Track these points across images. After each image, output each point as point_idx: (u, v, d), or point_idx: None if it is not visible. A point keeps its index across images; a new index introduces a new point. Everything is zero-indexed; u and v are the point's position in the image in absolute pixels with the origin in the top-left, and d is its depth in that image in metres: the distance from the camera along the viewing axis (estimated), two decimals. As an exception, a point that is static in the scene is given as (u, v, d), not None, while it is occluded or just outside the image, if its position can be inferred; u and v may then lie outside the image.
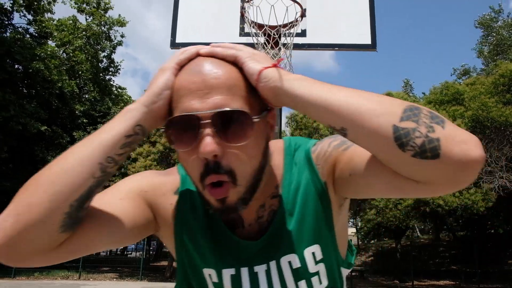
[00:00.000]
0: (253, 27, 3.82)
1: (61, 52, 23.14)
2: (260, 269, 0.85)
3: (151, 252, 31.62)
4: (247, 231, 0.87)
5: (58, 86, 20.16)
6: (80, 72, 24.51)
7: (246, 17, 3.70)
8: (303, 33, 4.14)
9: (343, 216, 0.93)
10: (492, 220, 20.74)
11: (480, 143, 0.63)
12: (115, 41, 26.59)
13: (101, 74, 25.89)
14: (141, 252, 40.60)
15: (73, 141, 20.53)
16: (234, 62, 0.77)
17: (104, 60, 26.63)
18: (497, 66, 17.45)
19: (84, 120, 22.63)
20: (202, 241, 0.87)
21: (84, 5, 24.61)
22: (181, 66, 0.78)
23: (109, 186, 0.91)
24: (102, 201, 0.81)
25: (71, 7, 24.34)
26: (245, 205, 0.77)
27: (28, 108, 17.46)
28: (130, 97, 28.62)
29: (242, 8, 3.70)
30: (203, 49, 0.78)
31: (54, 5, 22.57)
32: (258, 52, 0.80)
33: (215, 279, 0.85)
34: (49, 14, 22.83)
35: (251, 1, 3.51)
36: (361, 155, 0.77)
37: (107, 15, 25.45)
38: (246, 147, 0.73)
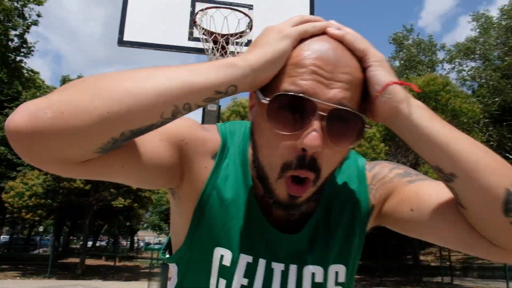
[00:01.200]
0: (203, 33, 3.89)
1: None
2: (277, 267, 0.78)
3: (59, 249, 29.67)
4: (274, 219, 0.79)
5: (-41, 63, 18.08)
6: (-15, 50, 22.15)
7: (198, 24, 3.76)
8: (248, 43, 4.29)
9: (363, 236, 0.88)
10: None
11: None
12: (30, 20, 24.48)
13: (11, 54, 23.65)
14: (44, 249, 37.97)
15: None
16: (361, 58, 0.68)
17: (16, 39, 24.37)
18: (408, 80, 19.24)
19: (-13, 103, 20.56)
20: (227, 217, 0.78)
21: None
22: (301, 36, 0.68)
23: None
24: (145, 139, 0.71)
25: (-21, -23, 21.86)
26: (306, 205, 0.73)
27: None
28: (43, 81, 26.56)
29: (195, 15, 3.75)
30: (334, 30, 0.68)
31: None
32: (385, 59, 0.70)
33: (227, 262, 0.76)
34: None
35: (205, 11, 3.57)
36: (431, 195, 0.74)
37: None
38: (343, 152, 0.69)
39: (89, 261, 23.57)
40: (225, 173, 0.80)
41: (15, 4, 23.17)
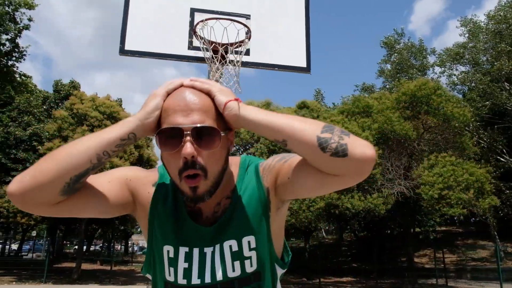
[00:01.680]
0: (203, 43, 3.99)
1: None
2: (208, 251, 1.09)
3: (54, 254, 29.46)
4: (203, 222, 1.11)
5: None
6: (-23, 54, 22.02)
7: (198, 34, 3.86)
8: (247, 52, 4.39)
9: (280, 219, 1.18)
10: (389, 222, 22.95)
11: (373, 147, 0.94)
12: (21, 24, 24.39)
13: (3, 59, 23.54)
14: (37, 253, 37.67)
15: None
16: (207, 93, 1.03)
17: (7, 43, 24.27)
18: (400, 84, 19.41)
19: (-19, 109, 20.47)
20: (167, 223, 1.11)
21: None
22: (168, 93, 1.03)
23: (102, 171, 1.19)
24: (95, 180, 1.09)
25: (-29, -17, 21.73)
26: (210, 197, 1.04)
27: None
28: (35, 85, 26.40)
29: (195, 25, 3.85)
30: (186, 82, 1.04)
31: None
32: (225, 88, 1.06)
33: (172, 255, 1.09)
34: None
35: (205, 21, 3.68)
36: (297, 163, 1.05)
37: None
38: (214, 153, 1.00)
39: (84, 266, 23.47)
40: (163, 194, 1.15)
41: (6, 8, 23.10)
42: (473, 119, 18.99)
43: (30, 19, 24.80)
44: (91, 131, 17.72)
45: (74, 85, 25.02)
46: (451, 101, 16.81)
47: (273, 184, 1.12)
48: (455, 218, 26.63)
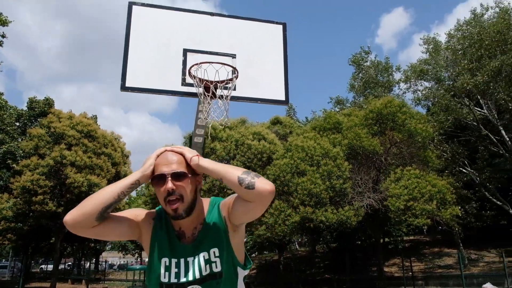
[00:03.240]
0: (196, 81, 4.57)
1: None
2: (190, 260, 1.63)
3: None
4: (186, 241, 1.67)
5: None
6: None
7: (192, 74, 4.45)
8: (234, 88, 5.00)
9: (238, 236, 1.70)
10: (360, 233, 23.78)
11: (273, 185, 1.48)
12: (-6, 41, 24.13)
13: (-26, 76, 23.15)
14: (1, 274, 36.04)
15: None
16: (181, 153, 1.63)
17: (-22, 59, 23.92)
18: (368, 101, 20.45)
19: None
20: (164, 242, 1.66)
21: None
22: (157, 155, 1.63)
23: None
24: (117, 214, 1.67)
25: None
26: (187, 215, 1.59)
27: None
28: (6, 101, 26.04)
29: (190, 67, 4.43)
30: (168, 148, 1.65)
31: None
32: (192, 150, 1.67)
33: (167, 264, 1.63)
34: None
35: (200, 65, 4.27)
36: (234, 199, 1.61)
37: None
38: (187, 186, 1.58)
39: (56, 285, 23.05)
40: (160, 223, 1.71)
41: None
42: (436, 133, 20.15)
43: (3, 36, 24.62)
44: (69, 149, 17.83)
45: (49, 102, 24.87)
46: (415, 117, 17.92)
47: (227, 213, 1.66)
48: (422, 227, 27.83)
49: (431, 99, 24.15)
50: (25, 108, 25.28)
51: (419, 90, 25.39)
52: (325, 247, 31.48)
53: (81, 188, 17.25)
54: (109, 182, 19.29)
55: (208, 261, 1.63)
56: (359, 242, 27.12)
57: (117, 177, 19.40)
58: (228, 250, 1.66)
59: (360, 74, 28.82)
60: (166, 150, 1.64)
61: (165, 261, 1.64)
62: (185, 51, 4.95)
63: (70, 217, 1.50)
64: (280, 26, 5.57)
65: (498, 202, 21.34)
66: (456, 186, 19.70)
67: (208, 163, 1.60)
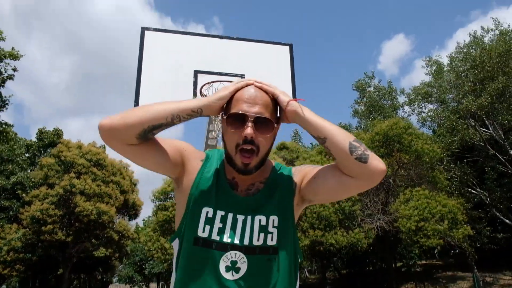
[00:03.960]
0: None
1: None
2: (240, 218, 1.31)
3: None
4: (238, 193, 1.36)
5: None
6: (-42, 105, 22.09)
7: (204, 94, 4.59)
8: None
9: (298, 213, 1.41)
10: (371, 257, 23.37)
11: (385, 165, 1.22)
12: (5, 75, 24.72)
13: (-15, 109, 23.62)
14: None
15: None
16: (271, 94, 1.31)
17: (-9, 93, 24.43)
18: (373, 124, 20.54)
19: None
20: (210, 189, 1.34)
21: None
22: (237, 90, 1.30)
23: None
24: (161, 140, 1.36)
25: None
26: (255, 171, 1.31)
27: None
28: (15, 133, 26.42)
29: (202, 86, 4.58)
30: (257, 84, 1.31)
31: None
32: (285, 91, 1.34)
33: (210, 215, 1.30)
34: None
35: (211, 84, 4.42)
36: (324, 167, 1.35)
37: None
38: (267, 138, 1.29)
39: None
40: (209, 167, 1.40)
41: (-9, 59, 23.48)
42: (444, 154, 20.08)
43: (14, 69, 25.17)
44: (78, 178, 17.96)
45: (58, 133, 25.27)
46: (421, 138, 17.96)
47: (300, 181, 1.39)
48: (434, 251, 27.29)
49: (437, 120, 24.19)
50: (34, 139, 25.66)
51: (423, 112, 25.53)
52: (336, 274, 30.88)
53: (90, 216, 17.25)
54: (118, 209, 19.32)
55: (263, 229, 1.30)
56: (371, 267, 26.61)
57: (126, 205, 19.43)
58: (291, 223, 1.36)
59: (364, 99, 29.03)
60: (253, 83, 1.31)
61: (208, 212, 1.30)
62: (196, 73, 5.11)
63: (109, 121, 1.21)
64: (287, 47, 5.74)
65: (510, 223, 20.99)
66: (467, 207, 19.47)
67: (309, 113, 1.29)
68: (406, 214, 15.46)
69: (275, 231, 1.31)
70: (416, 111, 25.74)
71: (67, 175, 17.39)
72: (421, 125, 24.36)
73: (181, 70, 5.26)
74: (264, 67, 5.48)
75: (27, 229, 17.24)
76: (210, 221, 1.29)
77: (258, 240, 1.29)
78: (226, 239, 1.28)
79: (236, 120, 1.26)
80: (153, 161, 1.32)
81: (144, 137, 1.26)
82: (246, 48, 5.64)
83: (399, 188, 18.04)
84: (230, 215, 1.31)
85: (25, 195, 18.23)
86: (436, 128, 25.25)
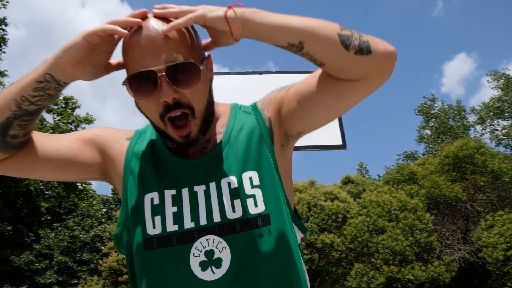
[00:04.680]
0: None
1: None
2: (199, 189, 0.94)
3: None
4: (190, 157, 1.00)
5: (25, 184, 20.07)
6: (46, 169, 24.33)
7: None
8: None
9: (286, 161, 1.05)
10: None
11: (391, 45, 0.86)
12: (82, 138, 26.95)
13: (67, 171, 25.76)
14: None
15: (38, 239, 19.98)
16: (178, 19, 0.86)
17: (70, 156, 26.69)
18: (441, 147, 19.48)
19: (49, 217, 22.19)
20: (147, 169, 0.97)
21: (52, 105, 25.25)
22: (114, 32, 0.86)
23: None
24: (53, 138, 0.98)
25: (40, 108, 24.58)
26: (203, 136, 0.95)
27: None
28: (94, 191, 28.36)
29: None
30: (155, 11, 0.89)
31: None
32: (208, 5, 0.89)
33: (157, 201, 0.92)
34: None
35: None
36: (305, 83, 0.96)
37: (74, 113, 25.97)
38: (197, 89, 0.89)
39: None
40: (140, 144, 1.04)
41: (70, 126, 25.89)
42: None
43: (89, 132, 27.35)
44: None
45: (130, 187, 26.75)
46: (497, 157, 16.62)
47: (276, 114, 1.02)
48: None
49: (514, 137, 22.44)
50: (109, 195, 27.42)
51: (497, 130, 23.82)
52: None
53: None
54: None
55: (237, 193, 0.93)
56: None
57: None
58: (277, 177, 0.98)
59: (430, 122, 27.81)
60: (146, 13, 0.89)
61: (152, 198, 0.94)
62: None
63: None
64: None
65: None
66: None
67: (266, 16, 0.87)
68: (491, 243, 14.08)
69: (257, 192, 0.93)
70: (488, 129, 24.13)
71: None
72: (496, 144, 22.69)
73: (225, 109, 5.45)
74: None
75: (106, 280, 18.07)
76: (158, 210, 0.93)
77: (234, 211, 0.91)
78: (188, 224, 0.91)
79: (143, 82, 0.86)
80: (46, 169, 0.97)
81: (6, 146, 0.91)
82: (287, 80, 5.71)
83: (479, 213, 16.62)
84: (185, 191, 0.94)
85: (103, 247, 19.29)
86: (515, 146, 23.37)
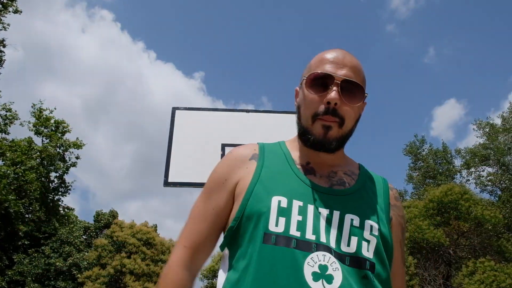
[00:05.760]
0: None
1: (11, 172, 22.56)
2: (324, 211, 0.97)
3: None
4: (317, 181, 1.04)
5: (5, 206, 19.54)
6: (28, 192, 23.71)
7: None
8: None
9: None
10: None
11: None
12: (69, 162, 26.33)
13: (50, 194, 25.13)
14: None
15: (12, 265, 19.31)
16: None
17: (56, 180, 26.06)
18: (426, 190, 19.60)
19: (26, 242, 21.49)
20: (277, 177, 1.03)
21: (43, 128, 24.83)
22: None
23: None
24: (197, 221, 1.08)
25: (29, 130, 24.16)
26: (336, 147, 1.05)
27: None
28: (76, 217, 27.56)
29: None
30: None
31: (10, 126, 22.55)
32: None
33: (284, 205, 0.96)
34: (3, 134, 22.55)
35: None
36: (397, 269, 1.09)
37: (64, 137, 25.55)
38: (353, 109, 1.04)
39: None
40: (268, 159, 1.08)
41: (58, 149, 25.40)
42: (507, 220, 18.51)
43: (77, 157, 26.83)
44: (129, 257, 18.36)
45: (113, 214, 26.24)
46: (480, 204, 16.78)
47: (392, 229, 1.08)
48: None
49: (498, 185, 22.65)
50: (92, 222, 26.77)
51: (482, 176, 24.03)
52: None
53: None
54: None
55: (357, 232, 0.97)
56: None
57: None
58: (390, 241, 1.04)
59: (418, 164, 27.95)
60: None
61: (280, 201, 0.97)
62: (223, 146, 5.30)
63: None
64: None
65: None
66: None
67: None
68: (471, 289, 14.01)
69: (373, 240, 0.97)
70: (473, 175, 24.37)
71: (119, 255, 17.82)
72: (481, 190, 22.89)
73: (209, 144, 5.47)
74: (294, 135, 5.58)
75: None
76: (284, 212, 0.95)
77: (348, 245, 0.94)
78: (310, 235, 0.93)
79: (318, 82, 1.03)
80: (212, 248, 1.10)
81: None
82: (274, 120, 5.81)
83: (461, 259, 16.58)
84: (311, 207, 0.97)
85: (79, 275, 18.73)
86: (500, 193, 23.54)
